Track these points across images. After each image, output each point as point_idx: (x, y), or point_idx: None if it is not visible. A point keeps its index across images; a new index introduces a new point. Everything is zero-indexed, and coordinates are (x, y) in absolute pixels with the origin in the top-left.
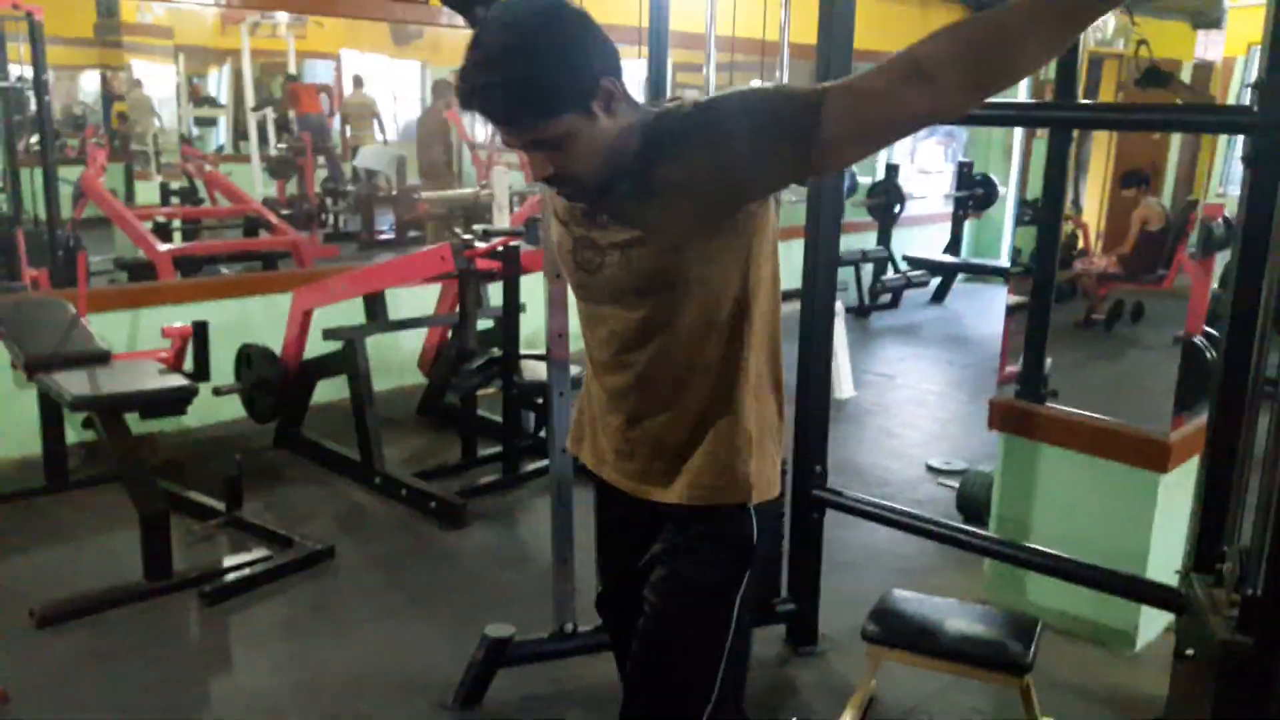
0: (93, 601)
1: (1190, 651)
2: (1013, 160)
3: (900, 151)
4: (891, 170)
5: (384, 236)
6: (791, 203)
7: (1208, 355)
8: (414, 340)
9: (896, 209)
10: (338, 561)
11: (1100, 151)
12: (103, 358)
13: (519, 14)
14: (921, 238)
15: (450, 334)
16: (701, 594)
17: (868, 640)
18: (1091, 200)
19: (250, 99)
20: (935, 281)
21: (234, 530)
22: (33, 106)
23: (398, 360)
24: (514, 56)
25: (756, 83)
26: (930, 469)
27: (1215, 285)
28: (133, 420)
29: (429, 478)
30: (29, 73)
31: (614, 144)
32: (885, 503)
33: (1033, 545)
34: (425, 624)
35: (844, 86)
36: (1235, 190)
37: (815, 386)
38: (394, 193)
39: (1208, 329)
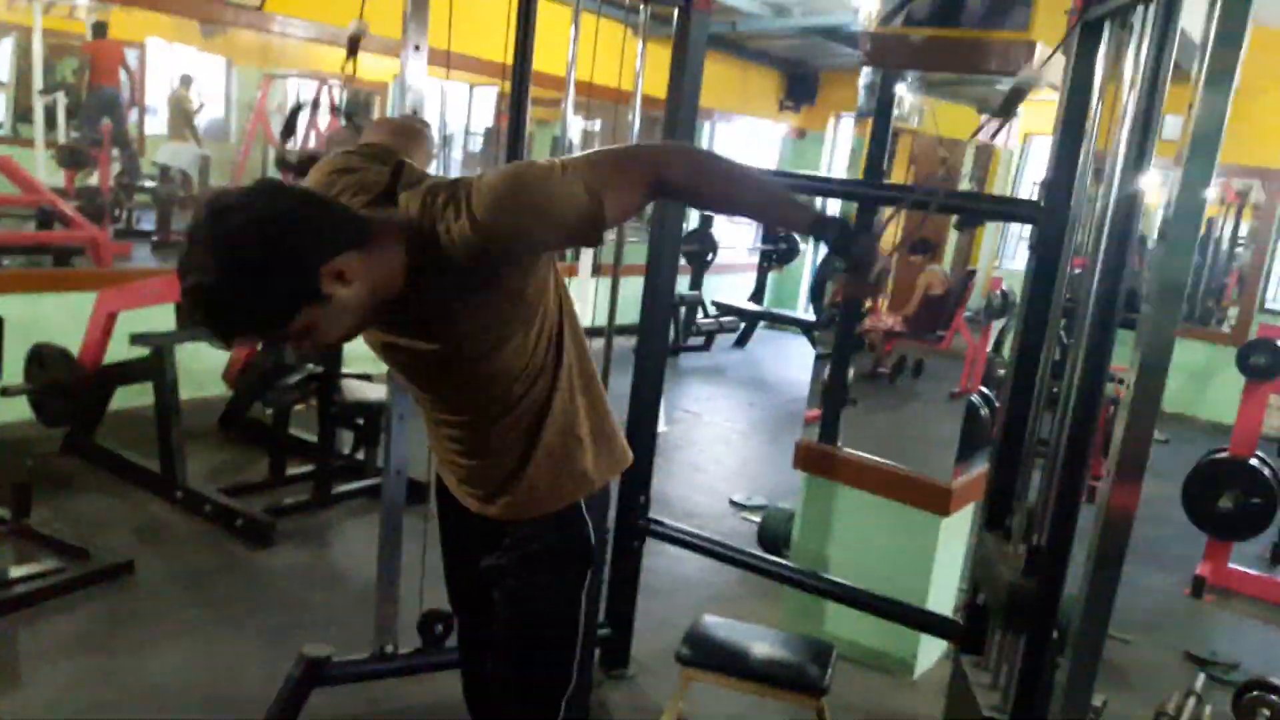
0: None
1: (980, 599)
2: None
3: None
4: (706, 220)
5: (181, 238)
6: (631, 243)
7: (983, 413)
8: (216, 350)
9: (710, 256)
10: (137, 576)
11: (891, 221)
12: None
13: (214, 237)
14: (728, 285)
15: (261, 346)
16: (553, 601)
17: (681, 663)
18: None
19: (39, 81)
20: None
21: (20, 539)
22: None
23: (198, 369)
24: (218, 295)
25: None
26: (733, 504)
27: (990, 349)
28: None
29: (234, 494)
30: None
31: (369, 297)
32: (702, 534)
33: (829, 577)
34: (233, 643)
35: (609, 189)
36: (1010, 264)
37: (645, 421)
38: (195, 193)
39: (982, 388)
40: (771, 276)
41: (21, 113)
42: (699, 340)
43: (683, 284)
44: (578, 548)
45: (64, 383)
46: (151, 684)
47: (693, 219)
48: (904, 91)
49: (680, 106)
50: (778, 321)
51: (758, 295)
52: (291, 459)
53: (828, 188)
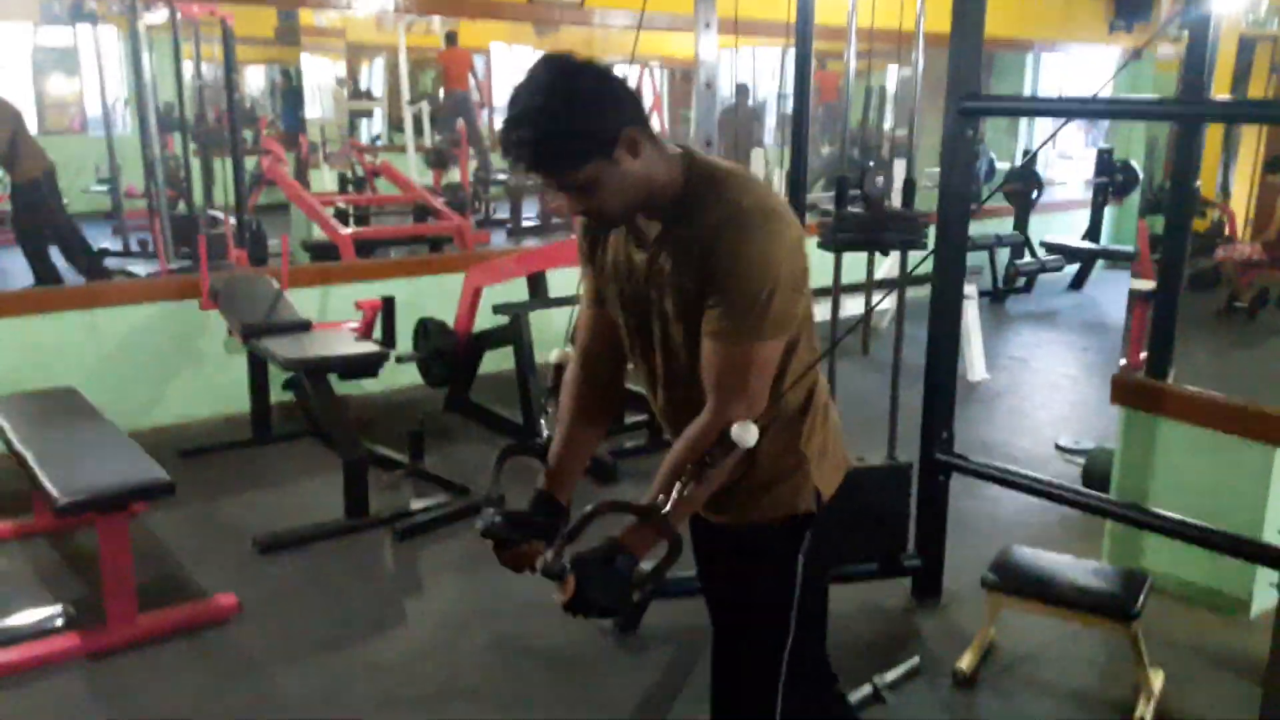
0: (304, 534)
1: None
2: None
3: (1040, 136)
4: (1030, 157)
5: (530, 224)
6: (926, 189)
7: None
8: (564, 317)
9: (1035, 194)
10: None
11: (1250, 138)
12: (305, 326)
13: (545, 76)
14: (1061, 223)
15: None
16: (770, 555)
17: (986, 588)
18: (1240, 187)
19: (406, 93)
20: (1074, 268)
21: (417, 479)
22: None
23: (551, 336)
24: (538, 116)
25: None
26: (1059, 448)
27: None
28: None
29: None
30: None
31: (645, 184)
32: (1004, 466)
33: (1146, 507)
34: None
35: (741, 377)
36: None
37: (943, 362)
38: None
39: None
40: (1109, 211)
41: (394, 122)
42: (1022, 282)
43: (1008, 225)
44: (795, 520)
45: (444, 349)
46: (520, 596)
47: (1016, 155)
48: None
49: (965, 38)
50: (1113, 258)
51: (1093, 233)
52: (631, 410)
53: (1144, 108)
